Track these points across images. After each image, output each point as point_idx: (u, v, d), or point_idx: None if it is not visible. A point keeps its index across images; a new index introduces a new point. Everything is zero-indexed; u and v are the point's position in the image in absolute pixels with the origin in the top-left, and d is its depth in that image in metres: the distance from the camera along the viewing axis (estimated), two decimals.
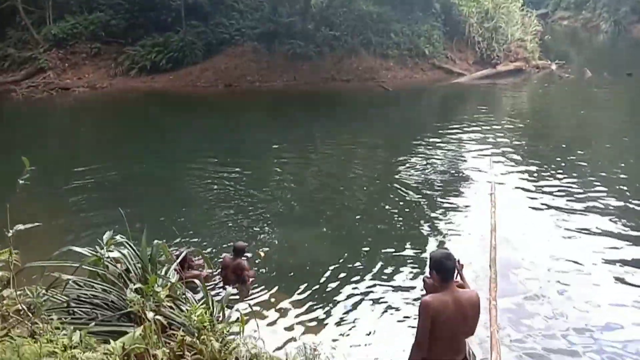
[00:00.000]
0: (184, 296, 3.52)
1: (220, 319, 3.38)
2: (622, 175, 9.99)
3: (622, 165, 10.71)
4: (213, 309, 3.28)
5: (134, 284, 2.86)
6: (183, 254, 5.48)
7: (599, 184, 9.51)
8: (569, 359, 5.00)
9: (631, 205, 8.41)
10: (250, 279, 6.37)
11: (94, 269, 3.25)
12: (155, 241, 3.43)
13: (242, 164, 11.37)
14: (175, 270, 3.61)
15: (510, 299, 5.95)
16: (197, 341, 2.83)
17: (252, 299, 5.94)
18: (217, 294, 5.61)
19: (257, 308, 5.65)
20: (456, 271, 4.69)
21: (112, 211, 3.95)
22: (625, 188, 9.19)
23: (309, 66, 20.81)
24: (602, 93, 18.56)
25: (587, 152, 11.78)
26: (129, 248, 3.39)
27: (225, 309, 3.70)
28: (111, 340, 2.69)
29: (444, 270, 3.53)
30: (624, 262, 6.72)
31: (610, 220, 7.95)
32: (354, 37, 21.23)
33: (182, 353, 2.75)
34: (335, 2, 21.77)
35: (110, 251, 3.29)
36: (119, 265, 3.56)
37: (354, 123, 15.16)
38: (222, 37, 21.17)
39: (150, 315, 2.66)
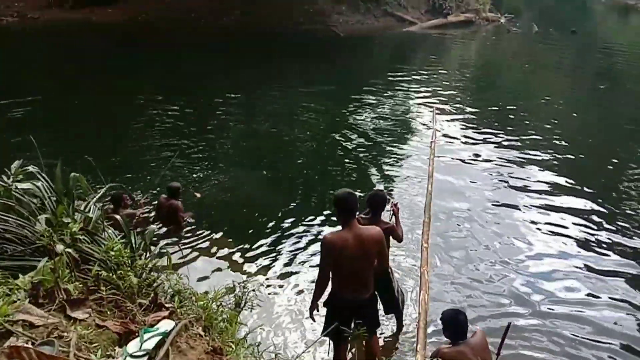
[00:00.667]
0: (106, 233, 3.37)
1: (143, 257, 3.28)
2: (558, 129, 10.36)
3: (560, 119, 11.13)
4: (135, 245, 3.15)
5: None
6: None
7: (536, 136, 9.85)
8: (493, 298, 5.24)
9: (565, 157, 8.77)
10: (187, 220, 6.24)
11: (3, 202, 3.02)
12: (72, 173, 3.22)
13: (185, 103, 11.02)
14: (96, 205, 3.43)
15: (441, 241, 6.14)
16: (114, 276, 2.71)
17: (185, 240, 5.84)
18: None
19: (189, 249, 5.58)
20: (391, 212, 4.80)
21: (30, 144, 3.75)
22: (560, 140, 9.54)
23: (260, 5, 20.03)
24: (547, 48, 18.98)
25: (528, 105, 12.13)
26: (43, 180, 3.18)
27: (152, 247, 3.60)
28: (20, 275, 2.54)
29: (343, 209, 3.63)
30: (554, 209, 7.03)
31: (543, 170, 8.27)
32: None
33: (96, 288, 2.63)
34: None
35: (17, 181, 3.06)
36: (36, 199, 3.36)
37: (304, 67, 14.85)
38: None
39: (59, 248, 2.51)
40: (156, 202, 6.35)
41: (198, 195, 6.64)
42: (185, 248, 5.46)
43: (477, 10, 23.40)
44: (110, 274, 2.70)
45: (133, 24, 18.65)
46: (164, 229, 5.99)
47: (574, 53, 18.75)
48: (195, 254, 5.59)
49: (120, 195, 5.86)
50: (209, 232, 6.06)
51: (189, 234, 6.02)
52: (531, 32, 21.31)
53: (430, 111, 10.79)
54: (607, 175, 8.35)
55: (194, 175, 7.63)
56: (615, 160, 8.91)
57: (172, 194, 6.17)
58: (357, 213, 3.98)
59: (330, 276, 3.71)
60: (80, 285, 2.62)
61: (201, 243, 5.82)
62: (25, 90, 10.99)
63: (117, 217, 3.54)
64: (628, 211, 7.05)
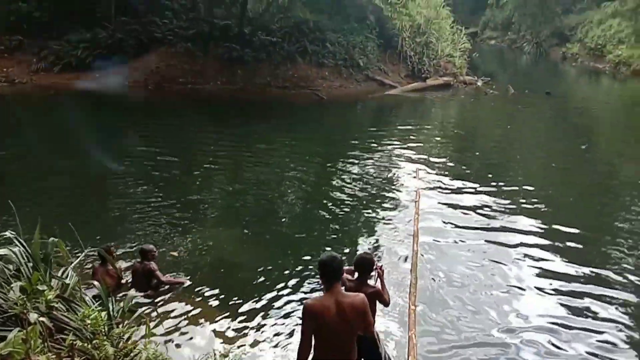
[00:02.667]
0: (82, 299, 3.27)
1: (121, 324, 3.18)
2: (538, 188, 10.51)
3: (540, 178, 11.36)
4: (112, 312, 3.06)
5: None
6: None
7: (517, 194, 9.95)
8: None
9: (544, 216, 8.83)
10: (166, 284, 6.08)
11: None
12: (51, 239, 3.16)
13: (168, 164, 11.12)
14: (73, 271, 3.34)
15: (429, 303, 6.05)
16: (89, 346, 2.61)
17: (162, 304, 5.69)
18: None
19: (168, 313, 5.42)
20: (377, 275, 4.75)
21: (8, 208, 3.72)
22: (540, 200, 9.66)
23: (244, 71, 20.58)
24: (523, 109, 19.64)
25: (508, 164, 12.39)
26: (20, 246, 3.11)
27: (130, 314, 3.48)
28: None
29: (326, 273, 3.54)
30: (540, 269, 7.04)
31: (526, 229, 8.29)
32: (291, 44, 21.23)
33: (70, 359, 2.52)
34: (272, 8, 21.70)
35: None
36: (11, 265, 3.27)
37: (288, 130, 15.12)
38: (154, 36, 20.49)
39: (32, 317, 2.43)
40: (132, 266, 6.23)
41: (175, 254, 6.51)
42: (164, 313, 5.31)
43: (455, 74, 24.29)
44: (86, 344, 2.61)
45: (120, 90, 18.94)
46: (141, 294, 5.84)
47: (550, 113, 19.41)
48: (174, 319, 5.42)
49: (108, 249, 5.75)
50: (188, 295, 5.92)
51: (167, 298, 5.86)
52: (507, 93, 22.10)
53: (414, 171, 10.94)
54: (591, 225, 8.43)
55: (173, 236, 7.56)
56: (598, 213, 9.05)
57: (144, 256, 6.04)
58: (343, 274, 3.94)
59: (313, 343, 3.57)
60: (54, 357, 2.52)
61: (180, 307, 5.66)
62: (4, 154, 10.99)
63: (95, 283, 3.44)
64: (613, 256, 7.09)
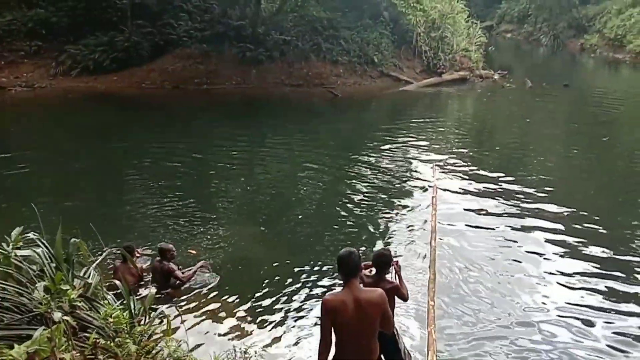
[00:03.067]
0: (105, 298, 3.33)
1: (142, 322, 3.22)
2: (558, 181, 10.41)
3: (558, 171, 11.21)
4: (134, 311, 3.11)
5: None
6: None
7: (537, 187, 9.84)
8: (503, 358, 5.09)
9: (564, 210, 8.73)
10: (188, 281, 6.15)
11: (3, 269, 3.00)
12: (72, 239, 3.22)
13: (186, 164, 11.25)
14: (95, 271, 3.41)
15: (448, 298, 6.02)
16: (112, 344, 2.65)
17: (181, 302, 5.76)
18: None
19: (187, 311, 5.48)
20: (394, 271, 4.74)
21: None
22: (560, 193, 9.55)
23: (259, 70, 20.67)
24: (541, 102, 19.37)
25: (527, 158, 12.25)
26: (43, 246, 3.18)
27: (151, 312, 3.54)
28: (15, 345, 2.49)
29: (344, 268, 3.52)
30: (560, 260, 6.99)
31: (545, 223, 8.20)
32: (304, 42, 21.26)
33: (94, 356, 2.57)
34: (286, 7, 21.73)
35: (17, 248, 3.05)
36: (35, 266, 3.34)
37: (304, 127, 15.15)
38: (170, 38, 20.69)
39: (57, 316, 2.48)
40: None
41: (194, 252, 6.57)
42: (184, 311, 5.37)
43: (471, 68, 24.05)
44: (109, 342, 2.66)
45: (137, 91, 19.19)
46: (161, 293, 5.91)
47: (569, 106, 19.14)
48: (194, 317, 5.48)
49: (130, 247, 5.84)
50: (207, 293, 5.97)
51: (186, 296, 5.92)
52: (525, 87, 21.82)
53: (431, 166, 10.88)
54: (612, 225, 8.28)
55: (191, 233, 7.65)
56: (621, 209, 8.90)
57: (163, 256, 6.10)
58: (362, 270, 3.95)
59: (333, 339, 3.54)
60: (78, 354, 2.57)
61: (200, 305, 5.72)
62: (27, 155, 11.23)
63: (117, 282, 3.51)
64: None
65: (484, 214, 8.59)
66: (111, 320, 2.77)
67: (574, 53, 37.53)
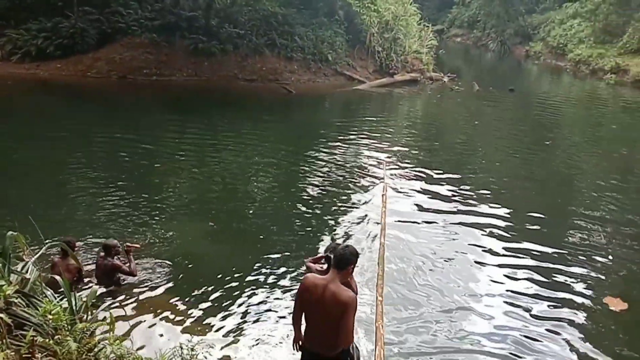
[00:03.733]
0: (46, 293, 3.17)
1: (84, 319, 3.09)
2: (502, 181, 10.83)
3: (503, 172, 11.64)
4: (75, 307, 2.97)
5: None
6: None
7: (482, 185, 10.22)
8: (449, 353, 5.23)
9: (506, 208, 9.07)
10: (131, 278, 5.97)
11: None
12: (9, 232, 3.04)
13: (132, 156, 10.92)
14: (34, 265, 3.23)
15: (396, 294, 6.13)
16: (51, 342, 2.53)
17: (126, 299, 5.59)
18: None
19: (133, 308, 5.31)
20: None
21: None
22: (503, 192, 9.91)
23: (211, 63, 20.32)
24: (488, 105, 20.08)
25: (474, 158, 12.66)
26: None
27: (94, 308, 3.39)
28: None
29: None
30: (502, 254, 7.32)
31: (487, 219, 8.51)
32: (259, 37, 21.08)
33: (31, 355, 2.44)
34: (240, 0, 21.46)
35: None
36: None
37: (258, 122, 15.00)
38: (118, 27, 20.01)
39: None
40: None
41: (137, 245, 6.38)
42: (128, 308, 5.20)
43: (422, 70, 24.58)
44: (47, 340, 2.53)
45: (82, 80, 18.45)
46: (105, 289, 5.71)
47: (514, 109, 19.91)
48: (139, 313, 5.32)
49: (70, 242, 5.60)
50: (153, 289, 5.82)
51: (132, 292, 5.75)
52: (472, 90, 22.51)
53: (381, 164, 11.03)
54: (548, 222, 8.69)
55: (137, 227, 7.43)
56: (557, 209, 9.34)
57: (107, 252, 5.91)
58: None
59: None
60: (13, 354, 2.43)
61: (145, 301, 5.58)
62: None
63: (57, 277, 3.34)
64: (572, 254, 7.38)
65: (432, 211, 8.83)
66: (50, 317, 2.64)
67: (520, 59, 39.09)
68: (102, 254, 5.95)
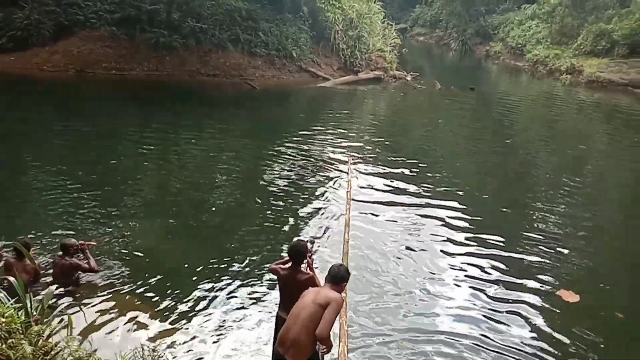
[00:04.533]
0: None
1: (40, 321, 2.99)
2: (463, 177, 11.07)
3: (464, 169, 11.91)
4: (30, 310, 2.87)
5: None
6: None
7: (444, 182, 10.43)
8: (412, 346, 5.32)
9: (467, 204, 9.28)
10: (93, 274, 5.83)
11: None
12: None
13: (92, 151, 10.71)
14: None
15: (359, 290, 6.17)
16: (4, 346, 2.43)
17: (84, 299, 5.44)
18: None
19: (92, 308, 5.17)
20: (306, 263, 4.77)
21: None
22: (465, 188, 10.11)
23: (173, 57, 19.94)
24: (449, 103, 20.47)
25: (437, 155, 12.91)
26: None
27: (50, 310, 3.28)
28: None
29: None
30: (462, 247, 7.49)
31: (452, 213, 8.71)
32: (222, 32, 20.81)
33: None
34: None
35: None
36: None
37: (221, 118, 14.83)
38: (76, 19, 19.35)
39: None
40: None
41: (94, 243, 6.22)
42: (87, 309, 5.05)
43: (386, 68, 24.84)
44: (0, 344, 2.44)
45: (38, 74, 17.80)
46: (62, 289, 5.54)
47: (475, 107, 20.38)
48: (98, 314, 5.18)
49: (25, 242, 5.40)
50: (112, 288, 5.69)
51: (91, 292, 5.61)
52: (434, 88, 22.90)
53: (345, 160, 11.09)
54: (506, 217, 8.95)
55: (94, 225, 7.24)
56: (520, 203, 9.62)
57: (66, 251, 5.75)
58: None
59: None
60: None
61: (105, 301, 5.44)
62: None
63: (10, 279, 3.21)
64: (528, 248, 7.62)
65: (395, 205, 8.97)
66: (3, 320, 2.54)
67: (480, 58, 40.04)
68: (60, 253, 5.78)
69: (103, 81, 18.15)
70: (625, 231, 8.76)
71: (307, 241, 4.69)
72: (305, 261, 4.71)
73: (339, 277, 4.07)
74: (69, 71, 18.35)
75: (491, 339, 5.42)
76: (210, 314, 5.47)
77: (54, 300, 4.58)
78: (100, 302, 5.42)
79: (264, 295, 5.84)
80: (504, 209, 9.30)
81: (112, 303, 5.43)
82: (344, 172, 10.32)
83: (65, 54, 18.84)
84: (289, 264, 4.50)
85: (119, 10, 19.79)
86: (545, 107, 21.89)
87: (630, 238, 8.46)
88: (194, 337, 5.04)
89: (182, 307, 5.52)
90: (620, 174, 12.65)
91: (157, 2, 20.47)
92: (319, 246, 4.87)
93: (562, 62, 29.35)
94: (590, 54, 28.58)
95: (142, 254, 6.55)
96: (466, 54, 41.96)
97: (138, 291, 5.72)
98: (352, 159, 11.18)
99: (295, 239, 4.99)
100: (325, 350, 4.10)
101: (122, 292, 5.67)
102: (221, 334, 5.13)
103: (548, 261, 7.26)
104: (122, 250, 6.59)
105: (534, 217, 8.94)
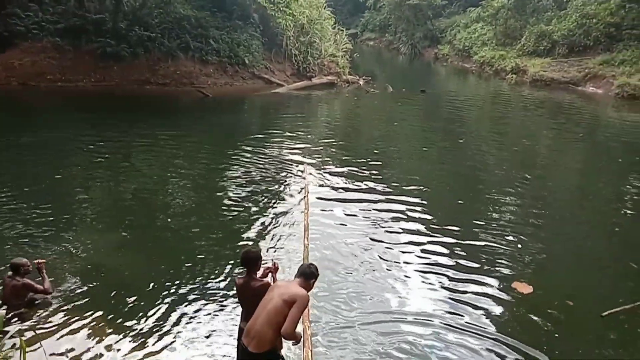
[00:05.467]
0: None
1: None
2: (420, 173, 11.31)
3: (419, 166, 12.18)
4: None
5: None
6: None
7: (401, 184, 10.54)
8: (377, 354, 5.37)
9: (426, 199, 9.52)
10: (45, 296, 5.59)
11: None
12: None
13: (39, 164, 10.34)
14: None
15: (321, 294, 6.18)
16: None
17: (37, 320, 5.22)
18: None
19: (46, 330, 4.96)
20: (269, 271, 4.74)
21: None
22: (419, 190, 10.28)
23: (121, 67, 19.50)
24: (402, 106, 20.85)
25: (392, 157, 13.12)
26: None
27: (1, 335, 3.11)
28: None
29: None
30: (419, 248, 7.58)
31: (409, 212, 8.86)
32: (171, 40, 20.49)
33: None
34: (150, 2, 20.75)
35: None
36: None
37: (173, 128, 14.50)
38: (17, 30, 18.67)
39: None
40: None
41: (42, 261, 6.02)
42: (41, 330, 4.84)
43: (338, 73, 25.06)
44: None
45: None
46: (14, 312, 5.29)
47: (427, 109, 20.83)
48: (52, 335, 4.98)
49: None
50: (66, 307, 5.49)
51: (44, 313, 5.38)
52: (387, 92, 23.28)
53: (302, 165, 11.09)
54: (461, 217, 9.17)
55: (43, 241, 7.00)
56: (474, 198, 9.89)
57: (16, 271, 5.50)
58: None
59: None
60: None
61: (58, 321, 5.24)
62: None
63: None
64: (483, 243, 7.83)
65: (353, 206, 9.05)
66: None
67: (429, 61, 41.02)
68: (10, 273, 5.52)
69: (48, 93, 17.53)
70: (572, 222, 9.15)
71: (259, 249, 4.66)
72: (267, 272, 4.69)
73: (308, 273, 4.20)
74: (11, 84, 17.65)
75: (450, 325, 5.63)
76: (169, 328, 5.35)
77: (3, 322, 4.37)
78: (55, 324, 5.20)
79: (224, 307, 5.76)
80: (460, 202, 9.63)
81: (67, 323, 5.23)
82: (301, 176, 10.33)
83: (6, 66, 18.13)
84: (244, 273, 4.48)
85: (63, 21, 19.23)
86: (493, 106, 22.66)
87: (576, 228, 8.84)
88: (153, 353, 4.91)
89: (141, 324, 5.37)
90: (567, 165, 13.23)
91: (103, 11, 20.01)
92: (275, 262, 4.84)
93: (507, 62, 30.41)
94: (533, 54, 29.75)
95: (96, 269, 6.36)
96: (416, 57, 42.92)
97: (94, 309, 5.53)
98: (309, 164, 11.22)
99: (247, 246, 4.93)
100: (294, 343, 4.38)
101: (78, 311, 5.46)
102: (182, 348, 5.02)
103: (502, 252, 7.51)
104: (75, 266, 6.38)
105: (488, 210, 9.25)
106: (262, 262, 4.55)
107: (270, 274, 4.72)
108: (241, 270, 4.46)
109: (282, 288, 4.09)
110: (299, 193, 9.43)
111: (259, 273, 4.57)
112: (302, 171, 10.71)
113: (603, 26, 26.74)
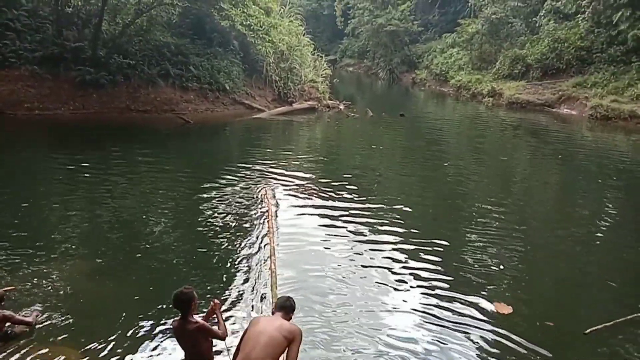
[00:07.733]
0: None
1: None
2: (397, 193, 11.40)
3: (397, 186, 12.28)
4: None
5: None
6: None
7: (380, 199, 10.68)
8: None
9: (405, 216, 9.56)
10: (24, 327, 5.46)
11: None
12: None
13: (14, 191, 10.24)
14: None
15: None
16: None
17: (11, 353, 5.10)
18: None
19: None
20: (210, 309, 4.71)
21: None
22: (399, 211, 10.34)
23: (100, 95, 19.40)
24: (382, 130, 21.12)
25: (371, 174, 13.22)
26: None
27: None
28: None
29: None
30: (396, 276, 7.49)
31: (389, 235, 8.85)
32: (151, 67, 20.51)
33: None
34: (129, 30, 20.82)
35: None
36: None
37: (151, 154, 14.40)
38: None
39: None
40: None
41: (11, 288, 5.83)
42: None
43: (319, 98, 25.33)
44: None
45: None
46: None
47: (406, 133, 21.09)
48: None
49: None
50: (41, 337, 5.39)
51: (19, 344, 5.26)
52: (366, 116, 23.56)
53: (268, 191, 10.97)
54: (448, 229, 9.20)
55: (14, 269, 6.88)
56: (454, 217, 9.96)
57: None
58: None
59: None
60: None
61: (32, 353, 5.12)
62: None
63: None
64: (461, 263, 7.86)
65: (327, 228, 9.10)
66: None
67: (408, 86, 41.77)
68: None
69: (25, 122, 17.34)
70: (551, 242, 9.25)
71: (191, 289, 4.49)
72: (211, 313, 4.69)
73: (288, 307, 4.36)
74: None
75: (427, 350, 5.61)
76: (140, 357, 5.26)
77: None
78: (26, 354, 5.09)
79: None
80: (439, 223, 9.76)
81: (43, 354, 5.11)
82: (266, 201, 10.28)
83: None
84: (179, 315, 4.43)
85: (41, 49, 19.12)
86: (471, 129, 23.06)
87: (555, 248, 8.94)
88: None
89: (116, 353, 5.26)
90: (547, 186, 13.45)
91: (82, 39, 20.00)
92: (215, 300, 4.78)
93: (484, 86, 31.10)
94: (508, 77, 30.50)
95: (67, 299, 6.26)
96: (394, 82, 43.66)
97: (72, 339, 5.41)
98: (272, 187, 11.30)
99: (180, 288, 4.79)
100: None
101: (55, 341, 5.35)
102: None
103: (481, 273, 7.54)
104: (46, 296, 6.25)
105: (467, 231, 9.34)
106: (222, 296, 4.50)
107: (215, 313, 4.69)
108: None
109: (271, 321, 4.11)
110: (264, 218, 9.36)
111: (199, 316, 4.54)
112: (265, 196, 10.63)
113: (574, 50, 27.59)
